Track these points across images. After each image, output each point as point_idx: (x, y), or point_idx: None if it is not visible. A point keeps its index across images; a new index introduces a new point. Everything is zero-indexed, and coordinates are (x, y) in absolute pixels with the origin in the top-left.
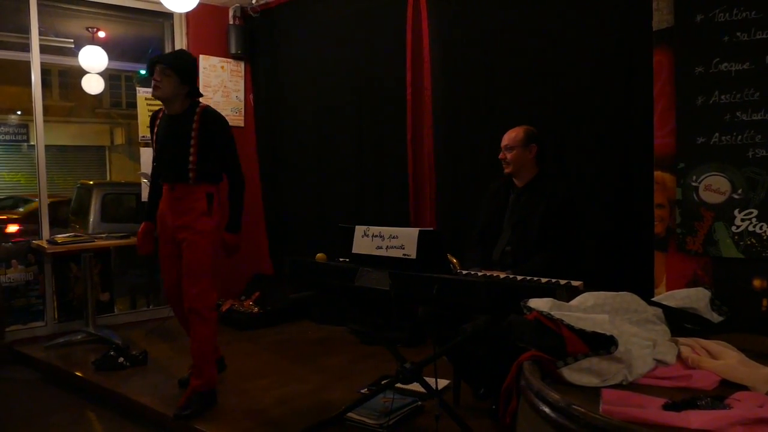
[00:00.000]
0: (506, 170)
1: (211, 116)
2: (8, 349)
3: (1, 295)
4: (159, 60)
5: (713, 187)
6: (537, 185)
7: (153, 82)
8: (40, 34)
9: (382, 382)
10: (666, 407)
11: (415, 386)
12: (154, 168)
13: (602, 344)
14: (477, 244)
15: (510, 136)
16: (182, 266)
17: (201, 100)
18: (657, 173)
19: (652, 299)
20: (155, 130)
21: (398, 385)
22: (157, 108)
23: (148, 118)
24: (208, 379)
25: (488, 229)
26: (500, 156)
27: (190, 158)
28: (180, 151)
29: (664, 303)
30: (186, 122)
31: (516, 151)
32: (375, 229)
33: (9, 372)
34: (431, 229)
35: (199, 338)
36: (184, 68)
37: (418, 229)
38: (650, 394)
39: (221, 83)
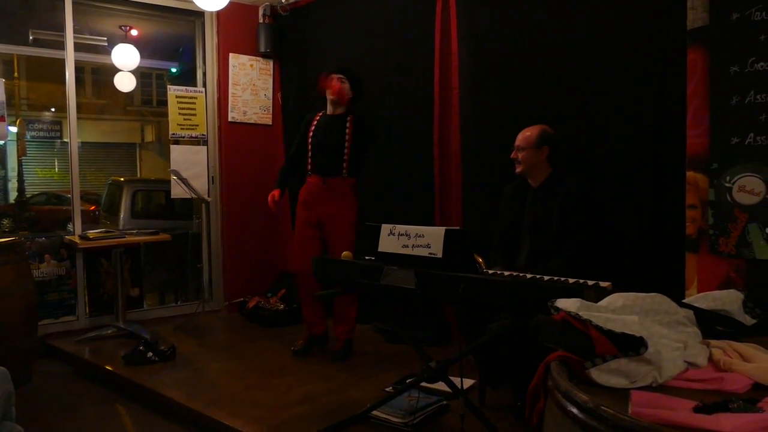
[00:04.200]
0: (517, 170)
1: (361, 120)
2: (41, 342)
3: (35, 289)
4: (340, 71)
5: (747, 188)
6: (550, 185)
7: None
8: (74, 32)
9: (407, 381)
10: (697, 410)
11: (441, 385)
12: (293, 156)
13: (631, 345)
14: (498, 248)
15: (523, 136)
16: (329, 246)
17: (230, 98)
18: (689, 174)
19: (683, 301)
20: (312, 128)
21: (423, 384)
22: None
23: (179, 116)
24: (351, 331)
25: (509, 233)
26: (512, 155)
27: (345, 152)
28: (336, 148)
29: (696, 305)
30: (342, 124)
31: (527, 152)
32: (401, 228)
33: (41, 365)
34: (458, 228)
35: (346, 302)
36: (357, 78)
37: (445, 228)
38: (681, 397)
39: (250, 81)
